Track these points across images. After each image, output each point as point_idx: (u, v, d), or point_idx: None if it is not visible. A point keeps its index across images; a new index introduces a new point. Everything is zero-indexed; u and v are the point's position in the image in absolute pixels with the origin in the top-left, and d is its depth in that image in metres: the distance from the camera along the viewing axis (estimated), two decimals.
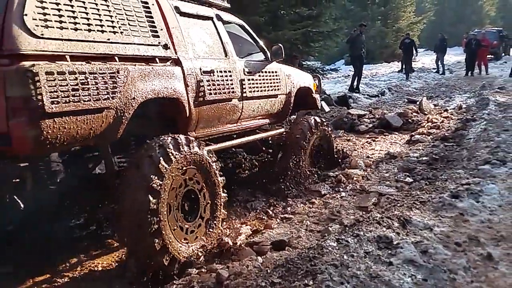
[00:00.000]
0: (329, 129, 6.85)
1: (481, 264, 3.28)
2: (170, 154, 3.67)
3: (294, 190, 5.84)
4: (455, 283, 3.01)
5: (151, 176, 3.50)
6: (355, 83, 15.78)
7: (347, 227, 4.18)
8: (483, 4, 51.95)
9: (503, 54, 31.79)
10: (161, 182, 3.54)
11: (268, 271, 3.30)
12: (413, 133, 9.27)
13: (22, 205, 3.52)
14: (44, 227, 4.21)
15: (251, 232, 4.58)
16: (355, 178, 6.26)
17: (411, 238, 3.59)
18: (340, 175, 6.34)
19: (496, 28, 34.78)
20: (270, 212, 5.19)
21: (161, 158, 3.59)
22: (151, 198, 3.45)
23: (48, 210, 4.04)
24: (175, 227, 3.74)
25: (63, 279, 3.83)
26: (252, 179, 6.27)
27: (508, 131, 7.66)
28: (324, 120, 6.79)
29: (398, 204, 4.65)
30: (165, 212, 3.59)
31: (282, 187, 5.84)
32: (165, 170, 3.59)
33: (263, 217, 5.11)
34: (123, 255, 4.09)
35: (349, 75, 16.29)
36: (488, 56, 23.77)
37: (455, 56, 31.79)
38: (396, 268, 3.12)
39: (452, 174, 5.65)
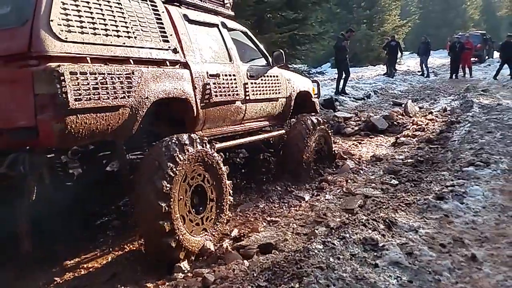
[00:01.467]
0: (327, 127, 7.09)
1: (465, 265, 3.31)
2: (182, 151, 3.92)
3: (294, 189, 6.03)
4: (440, 284, 3.03)
5: (164, 170, 3.74)
6: (340, 85, 15.84)
7: (333, 229, 4.18)
8: (466, 8, 52.55)
9: (486, 57, 32.18)
10: (173, 176, 3.78)
11: (255, 274, 3.29)
12: (398, 136, 9.34)
13: (33, 197, 3.60)
14: (55, 224, 4.29)
15: (238, 236, 4.58)
16: (338, 182, 6.29)
17: (397, 240, 3.62)
18: (324, 180, 6.41)
19: (479, 31, 35.20)
20: (258, 215, 5.19)
21: (174, 154, 3.84)
22: (163, 190, 3.69)
23: (64, 206, 4.16)
24: (185, 217, 3.96)
25: (60, 280, 3.84)
26: (246, 180, 6.33)
27: (491, 133, 7.74)
28: (322, 119, 6.98)
29: (384, 206, 4.68)
30: (176, 203, 3.81)
31: (278, 187, 5.99)
32: (177, 165, 3.83)
33: (251, 219, 5.10)
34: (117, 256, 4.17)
35: (335, 78, 16.35)
36: (472, 59, 24.02)
37: (439, 59, 32.10)
38: (381, 270, 3.13)
39: (437, 176, 5.70)
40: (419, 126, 10.03)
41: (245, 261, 3.90)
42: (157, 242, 3.75)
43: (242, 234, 4.62)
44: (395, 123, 10.58)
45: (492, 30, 47.48)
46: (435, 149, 7.71)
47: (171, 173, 3.77)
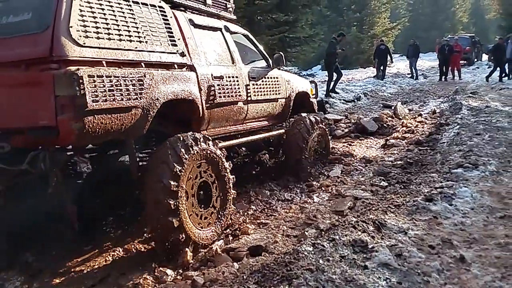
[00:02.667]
0: (324, 125, 7.28)
1: (454, 266, 3.33)
2: (204, 142, 4.35)
3: (284, 191, 6.12)
4: (428, 285, 3.05)
5: (186, 142, 4.12)
6: (331, 85, 15.90)
7: (323, 231, 4.20)
8: (456, 11, 53.02)
9: (475, 60, 32.40)
10: (181, 171, 4.04)
11: (244, 277, 3.29)
12: (388, 138, 9.35)
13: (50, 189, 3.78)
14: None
15: (230, 238, 4.57)
16: (325, 187, 6.30)
17: (386, 241, 3.63)
18: (315, 182, 6.42)
19: (468, 34, 35.49)
20: (248, 217, 5.19)
21: (197, 137, 4.23)
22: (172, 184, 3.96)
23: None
24: (188, 195, 4.19)
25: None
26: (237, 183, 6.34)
27: (480, 135, 7.79)
28: (320, 118, 7.18)
29: (373, 208, 4.70)
30: (184, 197, 4.06)
31: (269, 189, 6.08)
32: (197, 145, 4.21)
33: (241, 221, 5.09)
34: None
35: (325, 80, 16.40)
36: (461, 61, 24.18)
37: (429, 61, 32.26)
38: (371, 271, 3.14)
39: (426, 178, 5.73)
40: (409, 128, 10.06)
41: (235, 263, 3.91)
42: (160, 198, 3.92)
43: (232, 236, 4.61)
44: (384, 125, 10.60)
45: (481, 33, 48.00)
46: (424, 151, 7.75)
47: (191, 149, 4.15)
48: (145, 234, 4.65)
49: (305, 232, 4.47)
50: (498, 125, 8.66)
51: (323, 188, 6.19)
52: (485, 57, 33.88)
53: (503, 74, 19.27)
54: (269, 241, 4.38)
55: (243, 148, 6.99)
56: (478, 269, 3.27)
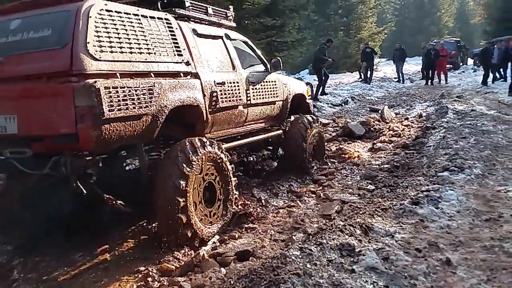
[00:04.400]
0: (320, 124, 7.63)
1: (440, 269, 3.35)
2: (197, 151, 4.52)
3: (272, 195, 6.21)
4: None
5: (183, 166, 4.31)
6: (320, 89, 16.00)
7: (310, 235, 4.19)
8: (441, 16, 53.59)
9: (461, 64, 32.69)
10: (189, 172, 4.36)
11: (231, 282, 3.27)
12: (375, 141, 9.37)
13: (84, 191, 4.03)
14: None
15: (218, 243, 4.55)
16: (313, 189, 6.32)
17: (373, 245, 3.64)
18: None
19: (454, 39, 35.81)
20: (236, 222, 5.17)
21: (190, 154, 4.41)
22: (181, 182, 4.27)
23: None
24: (198, 209, 4.51)
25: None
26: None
27: (465, 138, 7.85)
28: (316, 118, 7.57)
29: (361, 212, 4.71)
30: (191, 196, 4.38)
31: (256, 193, 6.13)
32: (193, 163, 4.41)
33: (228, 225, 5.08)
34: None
35: (314, 85, 16.49)
36: (446, 65, 24.37)
37: (415, 65, 32.50)
38: (358, 275, 3.14)
39: (413, 181, 5.76)
40: (395, 132, 10.12)
41: (222, 268, 3.88)
42: (170, 196, 4.21)
43: (219, 241, 4.59)
44: (372, 129, 10.63)
45: (466, 37, 48.52)
46: (411, 155, 7.79)
47: (198, 152, 4.48)
48: (140, 237, 4.67)
49: (293, 236, 4.47)
50: (483, 128, 8.75)
51: (310, 192, 6.19)
52: (470, 61, 34.20)
53: (489, 78, 19.46)
54: (257, 246, 4.36)
55: (233, 156, 7.02)
56: (464, 272, 3.30)
